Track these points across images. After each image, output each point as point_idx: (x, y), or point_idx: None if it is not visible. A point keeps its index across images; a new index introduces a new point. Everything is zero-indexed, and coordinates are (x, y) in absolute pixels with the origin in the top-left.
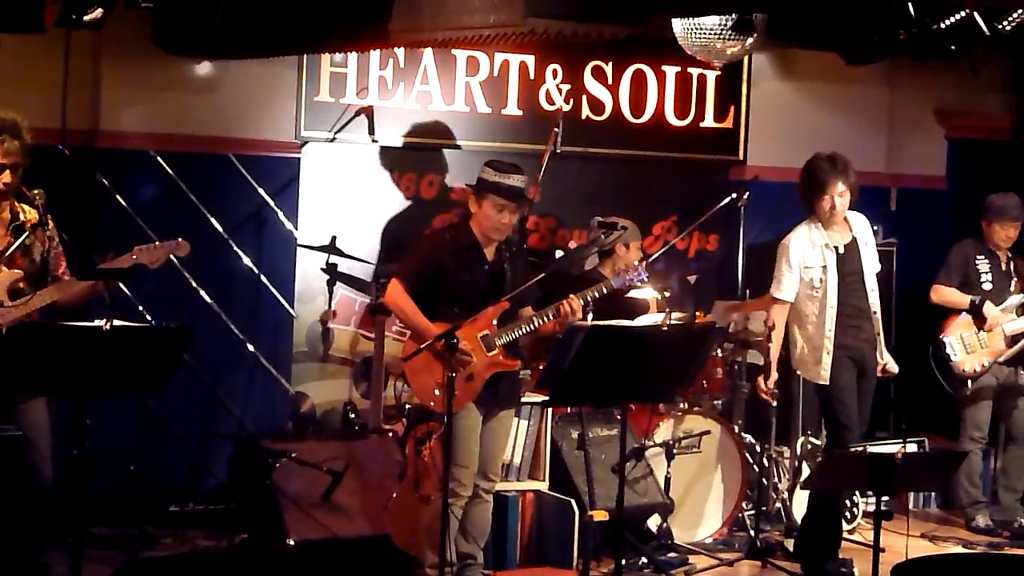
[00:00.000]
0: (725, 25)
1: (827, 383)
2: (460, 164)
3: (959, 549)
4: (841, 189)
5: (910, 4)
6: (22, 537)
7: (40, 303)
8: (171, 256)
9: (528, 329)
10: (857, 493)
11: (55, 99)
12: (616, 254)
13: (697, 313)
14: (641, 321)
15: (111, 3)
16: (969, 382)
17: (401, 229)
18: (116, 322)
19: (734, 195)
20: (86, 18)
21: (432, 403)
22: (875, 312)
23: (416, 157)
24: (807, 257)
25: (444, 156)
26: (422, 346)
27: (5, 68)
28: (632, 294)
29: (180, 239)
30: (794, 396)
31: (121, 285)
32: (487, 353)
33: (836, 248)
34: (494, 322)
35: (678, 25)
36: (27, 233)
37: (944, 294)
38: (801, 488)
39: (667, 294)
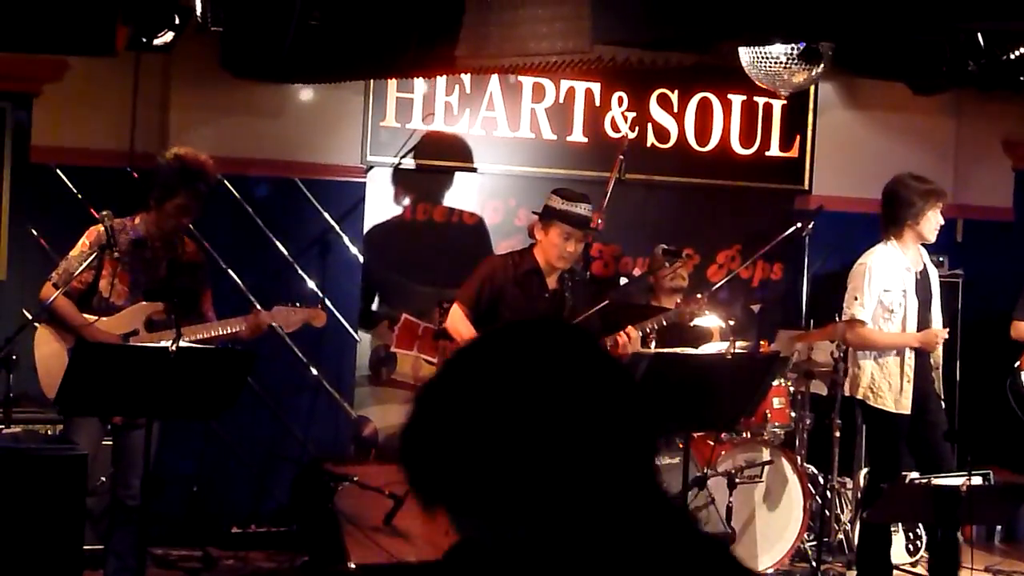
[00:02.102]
0: (792, 54)
1: (908, 412)
2: (524, 190)
3: None
4: (941, 206)
5: (979, 35)
6: (107, 553)
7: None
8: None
9: None
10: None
11: (124, 121)
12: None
13: (761, 343)
14: (705, 349)
15: (181, 26)
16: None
17: (465, 253)
18: (183, 343)
19: (799, 224)
20: (156, 42)
21: None
22: (937, 367)
23: (481, 183)
24: (888, 279)
25: (509, 182)
26: None
27: (75, 89)
28: (696, 322)
29: (320, 308)
30: (857, 426)
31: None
32: None
33: (915, 272)
34: None
35: (745, 54)
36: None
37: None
38: (865, 519)
39: (731, 323)
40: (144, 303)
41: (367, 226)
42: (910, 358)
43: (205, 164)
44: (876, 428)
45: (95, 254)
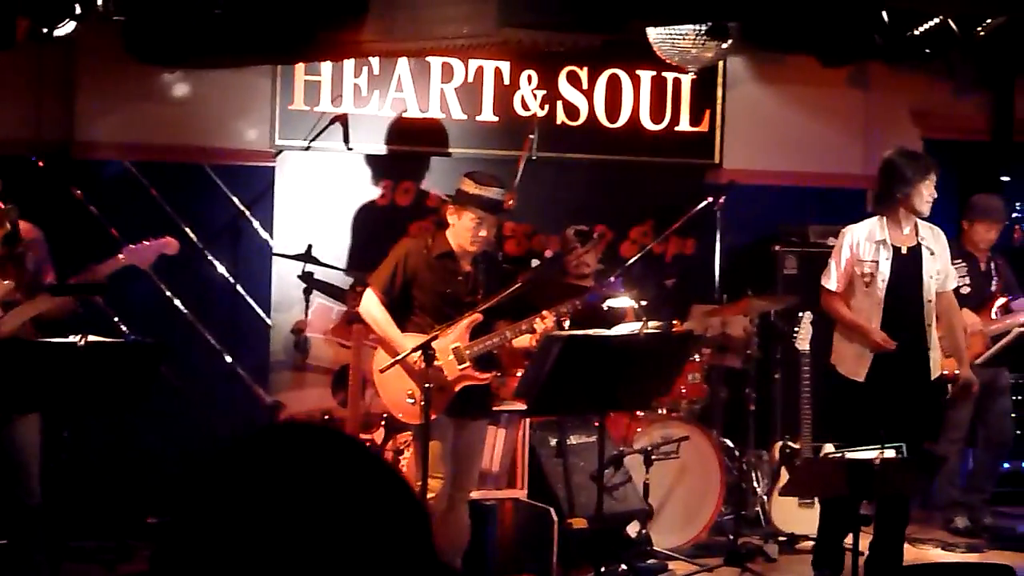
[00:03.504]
0: (699, 30)
1: (862, 381)
2: (435, 171)
3: (938, 551)
4: (935, 180)
5: (884, 13)
6: (14, 557)
7: (33, 312)
8: (147, 267)
9: (500, 342)
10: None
11: (28, 109)
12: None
13: (674, 322)
14: (618, 330)
15: (83, 16)
16: (949, 386)
17: (377, 237)
18: (92, 337)
19: (710, 199)
20: (57, 32)
21: (401, 414)
22: (928, 324)
23: (391, 164)
24: (861, 249)
25: (419, 163)
26: (398, 357)
27: None
28: (609, 303)
29: (168, 237)
30: (772, 399)
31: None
32: (458, 366)
33: (896, 248)
34: (467, 335)
35: (652, 31)
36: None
37: None
38: (780, 495)
39: (644, 303)
40: None
41: (277, 210)
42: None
43: None
44: (834, 393)
45: None
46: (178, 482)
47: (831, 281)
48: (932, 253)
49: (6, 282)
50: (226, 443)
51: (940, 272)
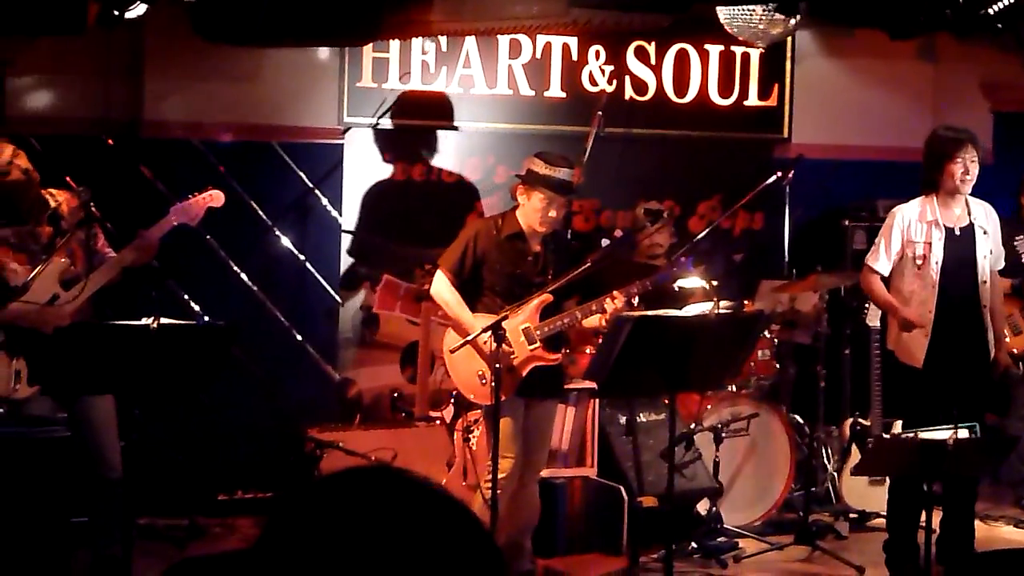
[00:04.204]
0: (769, 7)
1: (920, 367)
2: (503, 147)
3: (1011, 528)
4: (972, 154)
5: None
6: (95, 532)
7: (95, 286)
8: (196, 223)
9: (570, 322)
10: None
11: (97, 90)
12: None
13: (745, 302)
14: (689, 310)
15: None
16: (1021, 364)
17: (445, 212)
18: (163, 320)
19: (779, 174)
20: (127, 15)
21: (472, 395)
22: (984, 305)
23: (459, 140)
24: (912, 230)
25: (488, 139)
26: (469, 337)
27: (48, 59)
28: (679, 283)
29: (213, 189)
30: (843, 375)
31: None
32: (528, 346)
33: (948, 228)
34: (537, 315)
35: (721, 8)
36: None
37: None
38: (852, 474)
39: (715, 283)
40: (52, 267)
41: (346, 188)
42: (931, 313)
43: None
44: (896, 378)
45: None
46: (266, 510)
47: (879, 262)
48: (985, 232)
49: (62, 260)
50: (307, 484)
51: (993, 252)
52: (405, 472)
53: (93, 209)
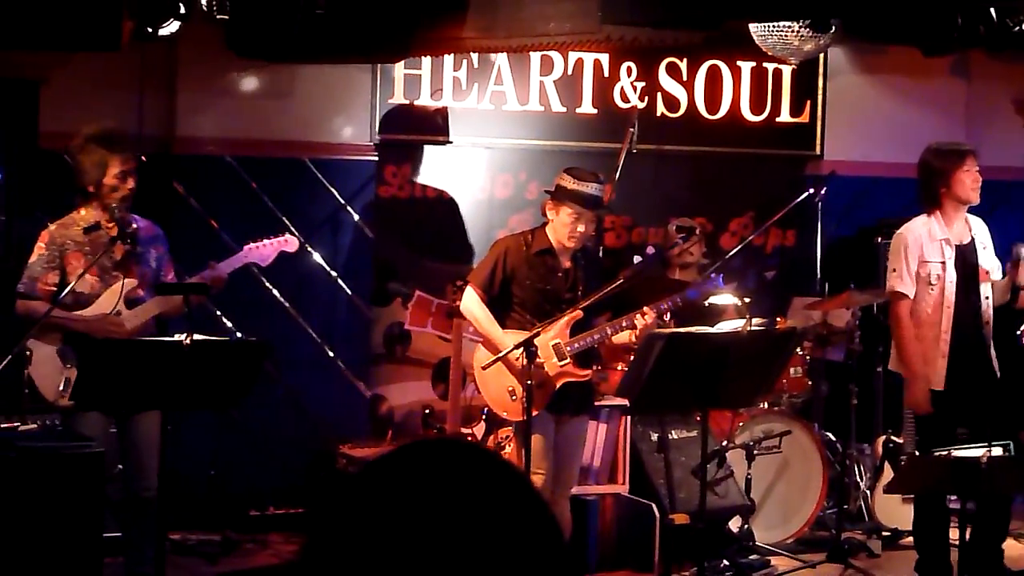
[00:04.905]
0: (801, 23)
1: (941, 389)
2: (535, 163)
3: None
4: (976, 164)
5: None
6: (128, 549)
7: (156, 310)
8: (266, 264)
9: (600, 338)
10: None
11: (131, 105)
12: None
13: (778, 319)
14: (721, 327)
15: (186, 16)
16: None
17: (476, 229)
18: (196, 336)
19: (811, 190)
20: (161, 32)
21: (503, 411)
22: (986, 322)
23: (491, 157)
24: (926, 250)
25: (519, 156)
26: (500, 354)
27: (82, 75)
28: (711, 300)
29: (288, 235)
30: (875, 393)
31: None
32: (558, 362)
33: (957, 245)
34: (567, 331)
35: (753, 24)
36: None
37: None
38: (884, 492)
39: (747, 300)
40: (118, 284)
41: (378, 204)
42: (946, 333)
43: (116, 130)
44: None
45: (57, 255)
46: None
47: (905, 285)
48: (984, 247)
49: (129, 280)
50: (378, 455)
51: (992, 266)
52: (473, 444)
53: (160, 232)
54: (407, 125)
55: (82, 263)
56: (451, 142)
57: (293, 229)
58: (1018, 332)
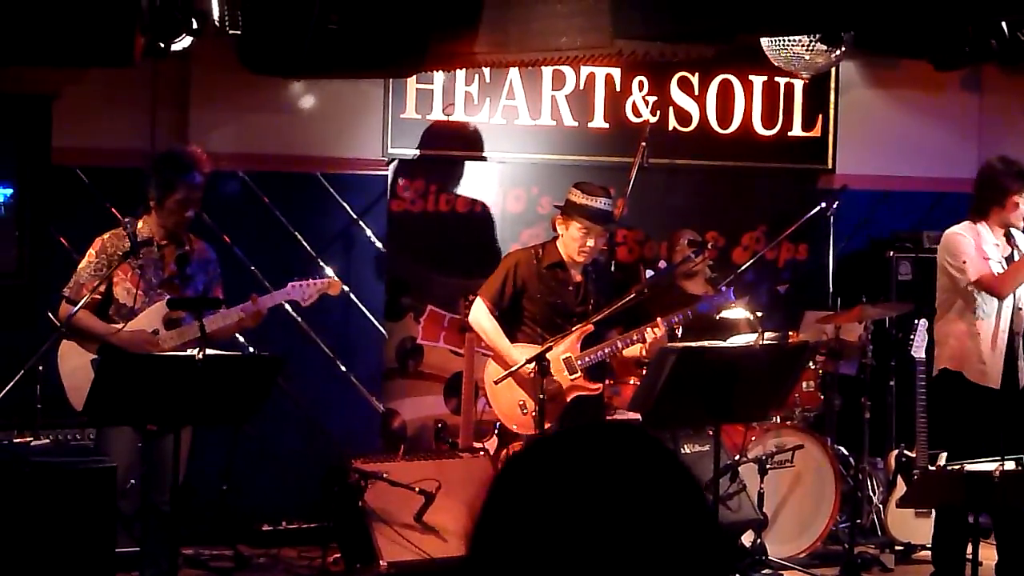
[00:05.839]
0: (813, 37)
1: (997, 387)
2: (547, 178)
3: None
4: None
5: (1003, 23)
6: (145, 562)
7: (194, 333)
8: (307, 304)
9: (610, 352)
10: None
11: (144, 121)
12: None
13: (790, 333)
14: (734, 341)
15: (198, 32)
16: None
17: (488, 244)
18: (209, 351)
19: (823, 204)
20: (174, 47)
21: (514, 425)
22: (1017, 332)
23: (502, 172)
24: (985, 247)
25: (531, 170)
26: (512, 369)
27: (95, 91)
28: (724, 314)
29: (334, 278)
30: (888, 407)
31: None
32: (569, 376)
33: (1003, 254)
34: (578, 345)
35: (765, 38)
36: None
37: None
38: (897, 506)
39: (759, 314)
40: (160, 303)
41: (390, 219)
42: (1004, 332)
43: (197, 155)
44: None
45: (106, 264)
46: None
47: (983, 266)
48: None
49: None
50: (550, 434)
51: None
52: (642, 430)
53: (212, 254)
54: (419, 140)
55: (129, 276)
56: (485, 158)
57: (305, 244)
58: None
